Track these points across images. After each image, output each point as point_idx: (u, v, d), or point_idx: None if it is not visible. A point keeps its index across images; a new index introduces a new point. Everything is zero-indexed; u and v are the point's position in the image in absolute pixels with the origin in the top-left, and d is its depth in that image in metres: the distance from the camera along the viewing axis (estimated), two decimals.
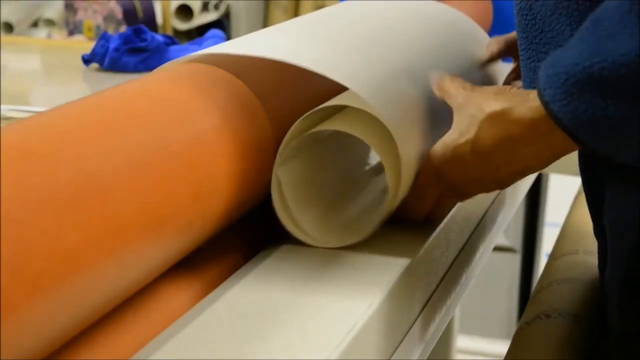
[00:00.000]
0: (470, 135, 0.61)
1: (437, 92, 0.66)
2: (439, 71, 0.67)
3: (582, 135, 0.53)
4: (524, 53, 0.66)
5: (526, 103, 0.58)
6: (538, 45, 0.64)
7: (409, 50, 0.71)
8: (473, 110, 0.61)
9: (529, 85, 0.66)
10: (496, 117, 0.60)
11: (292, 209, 0.62)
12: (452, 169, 0.62)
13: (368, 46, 0.68)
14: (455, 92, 0.64)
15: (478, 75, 0.80)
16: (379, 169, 0.73)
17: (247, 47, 0.63)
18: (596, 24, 0.53)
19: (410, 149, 0.62)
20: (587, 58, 0.52)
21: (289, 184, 0.62)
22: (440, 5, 0.87)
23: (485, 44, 0.85)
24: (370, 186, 0.72)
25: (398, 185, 0.62)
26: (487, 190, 0.65)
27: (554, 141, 0.57)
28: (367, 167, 0.74)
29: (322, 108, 0.62)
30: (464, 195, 0.66)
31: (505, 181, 0.63)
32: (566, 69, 0.53)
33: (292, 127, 0.61)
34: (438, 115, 0.67)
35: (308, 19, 0.75)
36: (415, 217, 0.66)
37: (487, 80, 0.82)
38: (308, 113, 0.62)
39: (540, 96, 0.55)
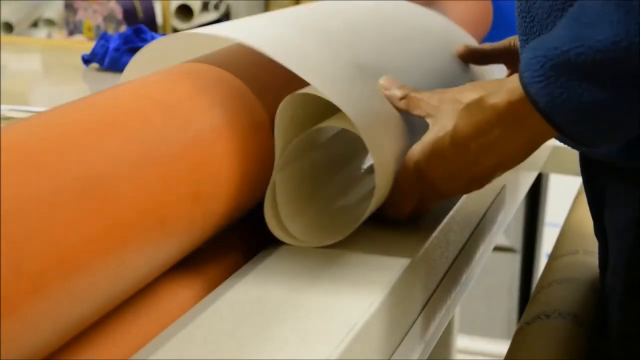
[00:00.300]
0: (448, 127, 0.61)
1: (401, 106, 0.64)
2: (389, 80, 0.65)
3: (557, 118, 0.54)
4: None
5: (503, 88, 0.58)
6: None
7: (383, 52, 0.71)
8: (450, 105, 0.61)
9: None
10: (474, 105, 0.60)
11: (282, 216, 0.62)
12: (432, 164, 0.62)
13: (338, 43, 0.67)
14: (428, 97, 0.64)
15: (460, 77, 0.80)
16: (371, 169, 0.73)
17: (227, 30, 0.62)
18: (580, 10, 0.54)
19: (387, 148, 0.62)
20: (565, 43, 0.53)
21: (283, 190, 0.62)
22: (421, 8, 0.86)
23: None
24: (360, 186, 0.72)
25: (382, 182, 0.62)
26: (468, 187, 0.64)
27: (531, 125, 0.57)
28: (361, 168, 0.74)
29: (300, 96, 0.62)
30: (444, 195, 0.65)
31: (484, 175, 0.62)
32: (545, 53, 0.54)
33: (279, 128, 0.61)
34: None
35: (289, 11, 0.75)
36: (396, 216, 0.65)
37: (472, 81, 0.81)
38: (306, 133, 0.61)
39: (520, 78, 0.55)
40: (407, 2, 0.86)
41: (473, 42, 0.85)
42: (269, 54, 0.59)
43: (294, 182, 0.64)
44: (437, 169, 0.62)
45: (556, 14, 0.60)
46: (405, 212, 0.65)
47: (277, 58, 0.59)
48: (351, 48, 0.67)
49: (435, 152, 0.61)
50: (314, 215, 0.65)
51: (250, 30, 0.63)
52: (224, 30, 0.62)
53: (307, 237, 0.62)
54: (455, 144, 0.60)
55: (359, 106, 0.61)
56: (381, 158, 0.61)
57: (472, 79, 0.82)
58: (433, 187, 0.63)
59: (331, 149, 0.71)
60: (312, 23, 0.69)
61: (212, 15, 2.41)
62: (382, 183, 0.62)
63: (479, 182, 0.63)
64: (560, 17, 0.60)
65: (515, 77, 0.57)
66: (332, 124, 0.63)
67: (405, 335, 0.61)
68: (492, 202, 0.84)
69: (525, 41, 0.65)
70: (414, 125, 0.66)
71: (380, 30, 0.75)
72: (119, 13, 2.23)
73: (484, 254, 0.84)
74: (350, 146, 0.72)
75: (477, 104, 0.60)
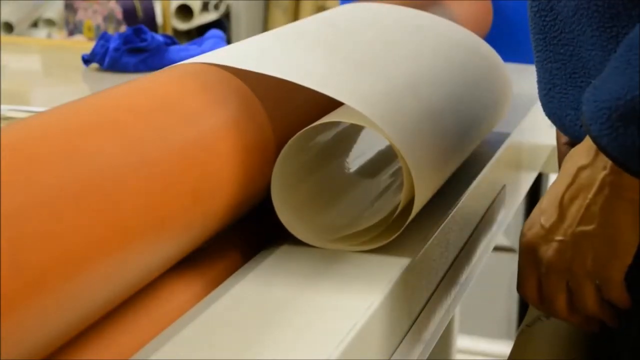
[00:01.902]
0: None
1: None
2: None
3: (633, 166, 0.54)
4: (540, 54, 0.66)
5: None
6: (556, 47, 0.64)
7: (411, 66, 0.71)
8: None
9: (545, 86, 0.66)
10: (565, 160, 0.60)
11: (294, 210, 0.62)
12: (533, 240, 0.61)
13: (373, 63, 0.68)
14: None
15: (483, 88, 0.80)
16: (372, 173, 0.73)
17: (252, 61, 0.62)
18: (630, 50, 0.53)
19: (421, 166, 0.61)
20: (627, 91, 0.53)
21: (289, 185, 0.62)
22: (438, 18, 0.86)
23: (491, 57, 0.84)
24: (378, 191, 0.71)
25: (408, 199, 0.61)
26: (608, 267, 0.59)
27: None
28: (376, 174, 0.74)
29: (325, 122, 0.62)
30: (573, 279, 0.61)
31: (585, 240, 0.59)
32: (609, 104, 0.54)
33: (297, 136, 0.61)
34: (445, 129, 0.67)
35: (311, 27, 0.74)
36: (558, 315, 0.63)
37: (492, 94, 0.81)
38: (310, 127, 0.61)
39: (587, 130, 0.55)
40: (425, 13, 0.86)
41: (491, 52, 0.85)
42: (309, 85, 0.59)
43: (299, 180, 0.64)
44: (539, 245, 0.61)
45: (582, 13, 0.60)
46: (559, 308, 0.62)
47: (325, 91, 0.59)
48: (383, 66, 0.67)
49: (531, 224, 0.61)
50: (326, 214, 0.65)
51: (278, 62, 0.63)
52: (260, 64, 0.61)
53: (318, 238, 0.61)
54: (542, 204, 0.60)
55: (400, 128, 0.61)
56: (418, 172, 0.61)
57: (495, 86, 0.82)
58: (551, 269, 0.61)
59: (334, 147, 0.71)
60: (332, 41, 0.69)
61: (212, 15, 2.41)
62: (420, 199, 0.61)
63: (590, 254, 0.59)
64: (586, 15, 0.60)
65: None
66: (358, 123, 0.62)
67: (405, 336, 0.61)
68: (492, 202, 0.85)
69: (542, 40, 0.65)
70: (443, 134, 0.65)
71: (401, 43, 0.75)
72: (119, 13, 2.23)
73: (484, 254, 0.84)
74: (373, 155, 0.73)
75: (567, 157, 0.60)
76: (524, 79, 1.14)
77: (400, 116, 0.62)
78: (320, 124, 0.62)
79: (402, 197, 0.61)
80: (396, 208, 0.65)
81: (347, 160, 0.72)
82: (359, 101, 0.59)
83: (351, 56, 0.68)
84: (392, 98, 0.63)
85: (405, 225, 0.61)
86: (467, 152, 0.76)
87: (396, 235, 0.61)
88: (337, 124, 0.70)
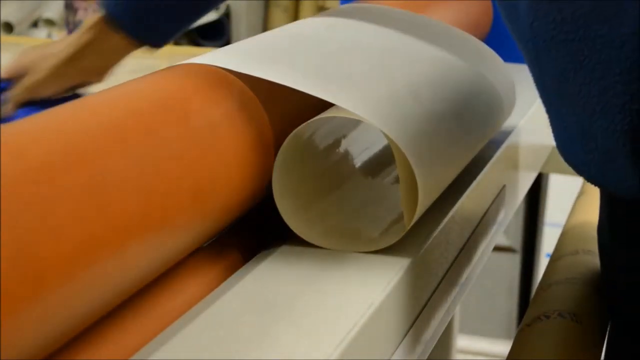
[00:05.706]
0: None
1: None
2: None
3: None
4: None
5: None
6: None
7: (412, 69, 0.70)
8: None
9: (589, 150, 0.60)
10: None
11: (295, 209, 0.62)
12: None
13: (373, 65, 0.67)
14: None
15: (485, 91, 0.80)
16: (373, 172, 0.73)
17: (252, 64, 0.62)
18: None
19: (425, 169, 0.61)
20: None
21: (291, 184, 0.62)
22: (438, 20, 0.86)
23: (493, 60, 0.84)
24: (384, 194, 0.71)
25: (413, 209, 0.61)
26: None
27: None
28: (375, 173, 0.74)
29: (323, 118, 0.62)
30: None
31: None
32: None
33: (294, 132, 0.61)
34: (448, 132, 0.66)
35: (310, 28, 0.74)
36: None
37: (494, 97, 0.81)
38: (310, 121, 0.61)
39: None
40: (425, 16, 0.85)
41: (491, 52, 0.84)
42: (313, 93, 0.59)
43: (301, 180, 0.64)
44: None
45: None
46: None
47: (330, 99, 0.59)
48: (385, 70, 0.67)
49: None
50: (325, 212, 0.65)
51: (277, 66, 0.63)
52: (262, 69, 0.61)
53: (322, 238, 0.61)
54: None
55: (403, 132, 0.60)
56: (424, 177, 0.60)
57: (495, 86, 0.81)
58: None
59: (331, 147, 0.71)
60: (331, 43, 0.69)
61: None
62: (417, 210, 0.61)
63: None
64: None
65: None
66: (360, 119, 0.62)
67: (405, 336, 0.61)
68: (492, 202, 0.85)
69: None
70: (447, 137, 0.65)
71: (400, 46, 0.75)
72: None
73: (484, 254, 0.84)
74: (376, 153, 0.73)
75: None
76: (524, 79, 1.14)
77: (402, 119, 0.62)
78: (320, 119, 0.62)
79: (408, 201, 0.61)
80: (398, 209, 0.65)
81: (350, 160, 0.72)
82: (360, 106, 0.59)
83: (351, 58, 0.68)
84: (393, 101, 0.63)
85: (408, 228, 0.62)
86: (471, 154, 0.76)
87: (399, 238, 0.61)
88: (339, 124, 0.70)
